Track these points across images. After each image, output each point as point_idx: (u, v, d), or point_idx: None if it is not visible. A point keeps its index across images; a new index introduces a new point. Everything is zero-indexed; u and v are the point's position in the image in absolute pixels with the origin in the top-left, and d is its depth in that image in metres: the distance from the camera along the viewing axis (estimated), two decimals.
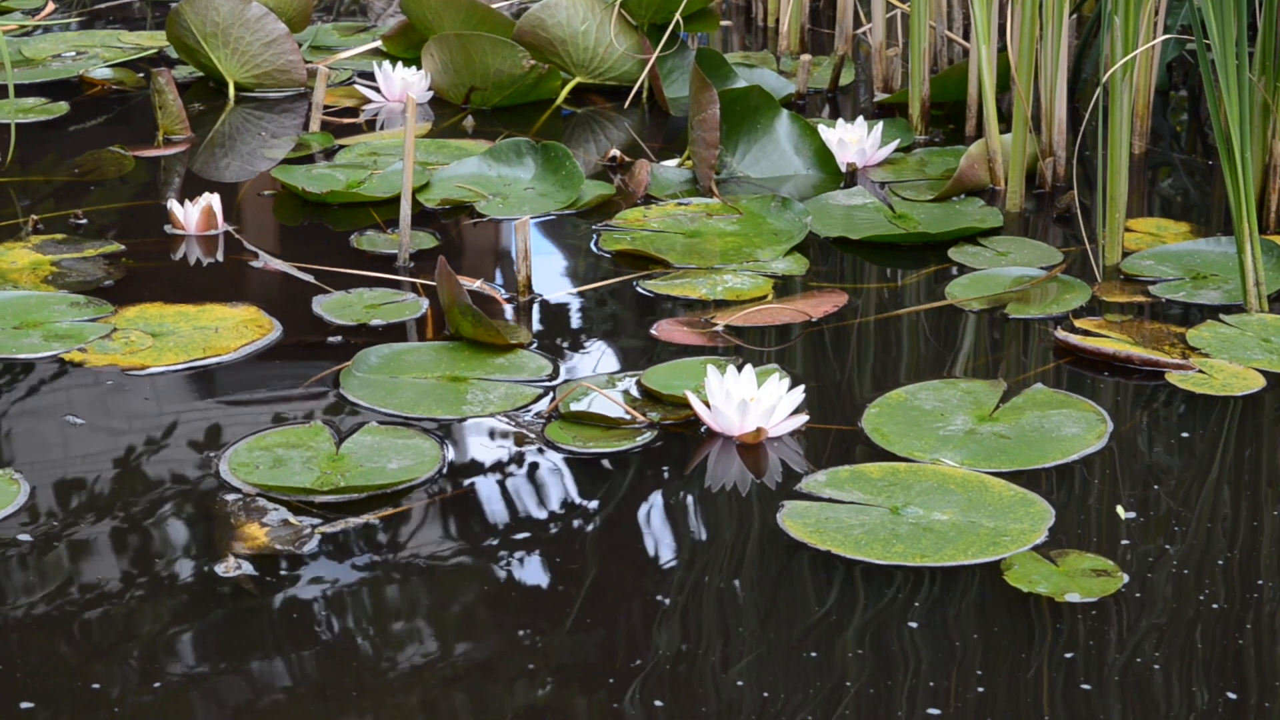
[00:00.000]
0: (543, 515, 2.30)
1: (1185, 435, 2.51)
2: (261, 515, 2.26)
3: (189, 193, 3.30)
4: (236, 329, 2.79)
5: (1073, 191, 3.27)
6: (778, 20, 4.50)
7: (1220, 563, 2.18)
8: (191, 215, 3.21)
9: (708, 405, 2.48)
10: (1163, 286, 2.98)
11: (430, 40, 3.99)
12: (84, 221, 3.26)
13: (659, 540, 2.25)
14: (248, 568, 2.15)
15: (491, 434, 2.50)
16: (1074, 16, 3.85)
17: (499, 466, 2.42)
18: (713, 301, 2.92)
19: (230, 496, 2.31)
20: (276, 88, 4.04)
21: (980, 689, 1.93)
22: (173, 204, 3.23)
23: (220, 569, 2.14)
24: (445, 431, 2.48)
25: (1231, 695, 1.92)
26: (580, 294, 2.99)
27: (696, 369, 2.60)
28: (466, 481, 2.37)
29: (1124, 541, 2.21)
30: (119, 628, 2.04)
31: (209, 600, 2.09)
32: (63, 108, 3.95)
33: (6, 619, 2.05)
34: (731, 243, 3.15)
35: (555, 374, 2.67)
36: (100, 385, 2.63)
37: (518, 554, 2.21)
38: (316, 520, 2.25)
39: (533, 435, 2.49)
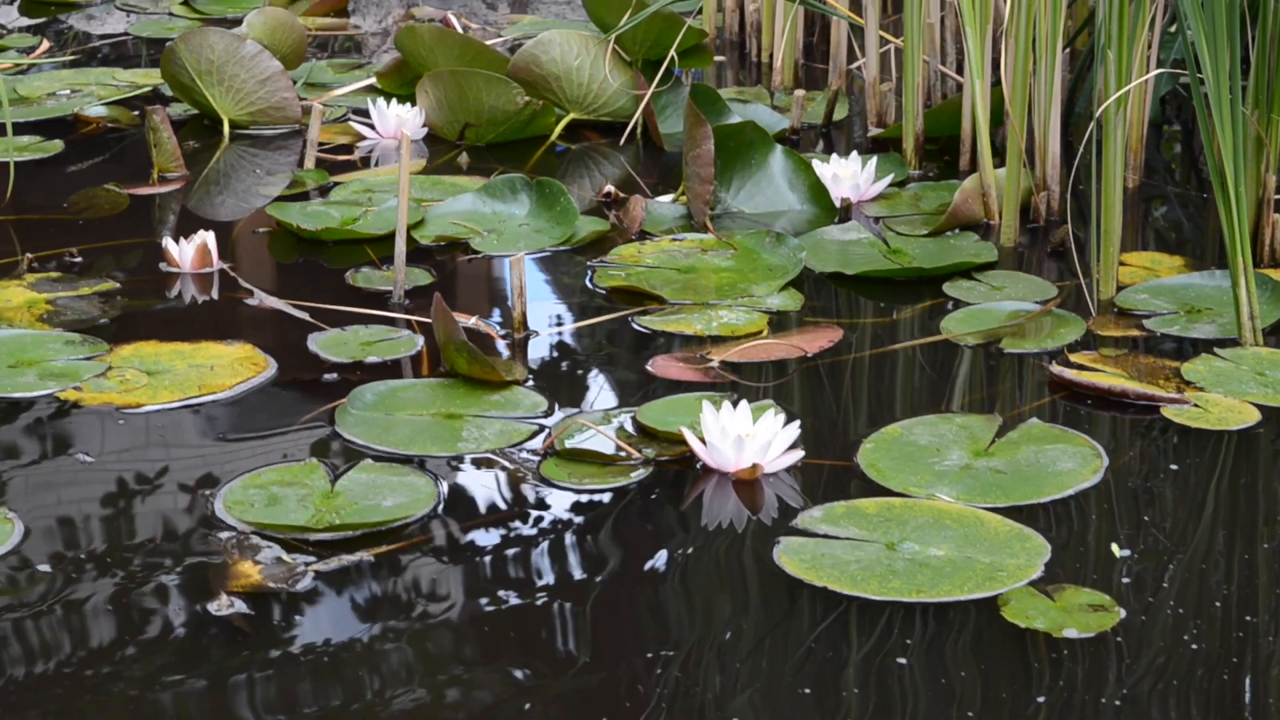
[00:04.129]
0: (538, 552, 2.30)
1: (1181, 469, 2.51)
2: (255, 553, 2.26)
3: (184, 230, 3.30)
4: (231, 367, 2.79)
5: (1067, 225, 3.27)
6: (771, 56, 4.51)
7: (1217, 601, 2.17)
8: (186, 253, 3.21)
9: (703, 441, 2.48)
10: (1157, 320, 2.98)
11: (424, 77, 3.99)
12: (79, 259, 3.26)
13: (655, 577, 2.25)
14: (240, 606, 2.15)
15: (487, 471, 2.49)
16: (1067, 51, 3.86)
17: (494, 504, 2.42)
18: (708, 337, 2.92)
19: (224, 534, 2.31)
20: (271, 125, 4.04)
21: None
22: (168, 242, 3.23)
23: (213, 607, 2.14)
24: (440, 469, 2.48)
25: None
26: (575, 330, 2.99)
27: (692, 405, 2.60)
28: (461, 519, 2.37)
29: (1120, 576, 2.21)
30: (110, 665, 2.04)
31: (201, 638, 2.09)
32: (57, 146, 3.95)
33: None
34: (726, 278, 3.15)
35: (550, 411, 2.67)
36: (95, 424, 2.63)
37: (513, 592, 2.20)
38: (310, 558, 2.25)
39: (528, 472, 2.48)
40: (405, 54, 4.17)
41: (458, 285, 3.20)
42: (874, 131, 4.02)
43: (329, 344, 2.89)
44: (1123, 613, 2.12)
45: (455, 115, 3.96)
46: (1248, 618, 2.13)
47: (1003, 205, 3.39)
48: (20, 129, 4.01)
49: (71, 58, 4.77)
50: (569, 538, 2.33)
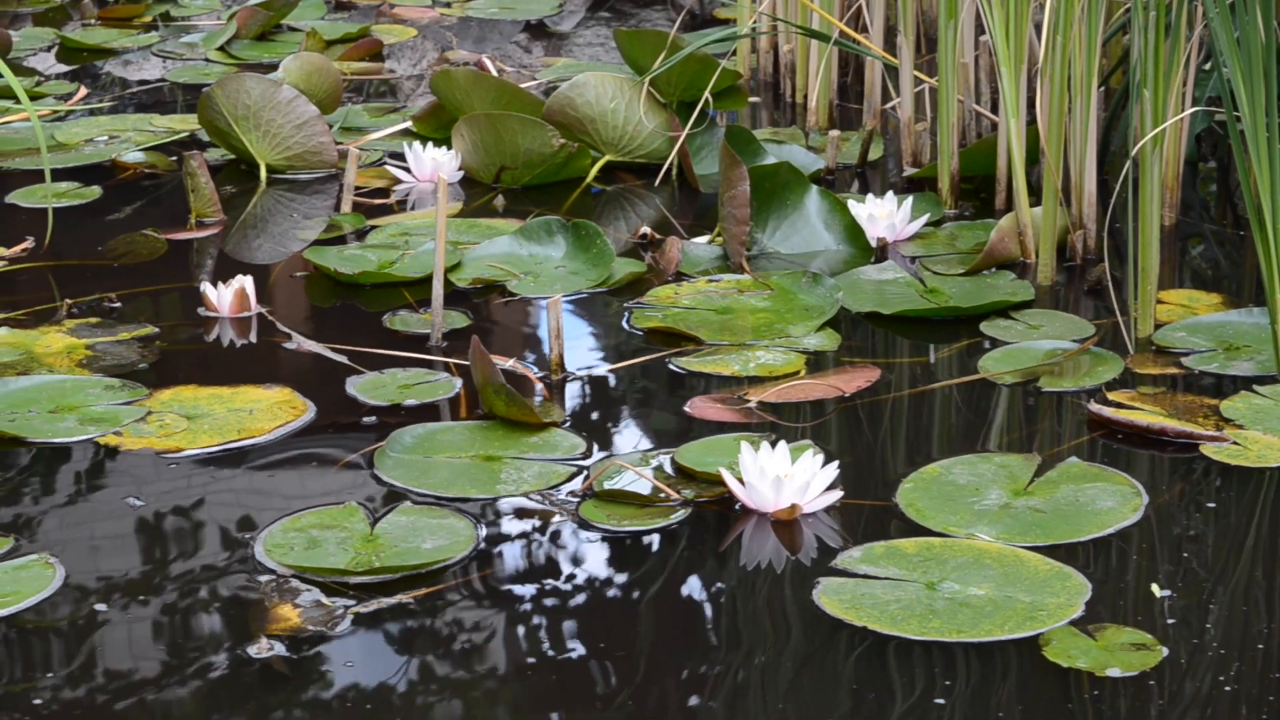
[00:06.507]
0: (577, 594, 2.29)
1: (1221, 507, 2.50)
2: (294, 596, 2.26)
3: (222, 275, 3.32)
4: (270, 411, 2.80)
5: (1104, 264, 3.27)
6: (806, 96, 4.52)
7: (1259, 641, 2.16)
8: (224, 297, 3.22)
9: (742, 482, 2.48)
10: (1195, 358, 2.97)
11: (460, 120, 4.01)
12: (118, 305, 3.27)
13: (695, 618, 2.25)
14: (280, 649, 2.15)
15: (526, 513, 2.49)
16: (1102, 89, 3.86)
17: (533, 546, 2.42)
18: (745, 378, 2.92)
19: (264, 578, 2.31)
20: (308, 169, 4.06)
21: None
22: (205, 286, 3.24)
23: (253, 650, 2.14)
24: (480, 511, 2.49)
25: None
26: (613, 372, 3.00)
27: (730, 446, 2.60)
28: (501, 561, 2.37)
29: (1163, 614, 2.20)
30: (151, 709, 2.04)
31: (241, 681, 2.09)
32: (95, 192, 3.97)
33: (38, 701, 2.05)
34: (763, 319, 3.15)
35: (589, 452, 2.67)
36: (135, 468, 2.63)
37: (552, 635, 2.20)
38: (350, 601, 2.25)
39: (567, 514, 2.49)
40: (440, 97, 4.18)
41: (495, 328, 3.21)
42: (909, 171, 4.02)
43: (367, 387, 2.90)
44: (1165, 651, 2.11)
45: (491, 158, 3.97)
46: None
47: (1039, 244, 3.39)
48: (58, 175, 4.04)
49: (109, 104, 4.79)
50: (608, 579, 2.33)
